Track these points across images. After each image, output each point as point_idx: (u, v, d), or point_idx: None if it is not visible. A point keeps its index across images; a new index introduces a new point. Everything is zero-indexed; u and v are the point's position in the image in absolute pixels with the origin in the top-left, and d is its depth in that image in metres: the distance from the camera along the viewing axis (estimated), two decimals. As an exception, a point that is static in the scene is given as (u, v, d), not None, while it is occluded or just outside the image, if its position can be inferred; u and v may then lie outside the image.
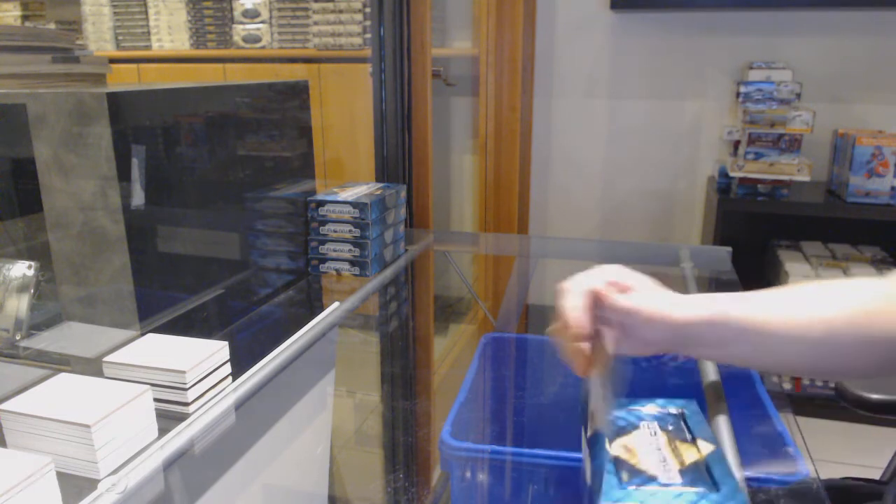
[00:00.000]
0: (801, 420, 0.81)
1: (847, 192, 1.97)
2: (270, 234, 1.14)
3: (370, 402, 1.03)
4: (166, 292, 0.90)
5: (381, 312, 1.21)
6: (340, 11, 2.51)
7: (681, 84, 2.32)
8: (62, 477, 0.57)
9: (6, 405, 0.62)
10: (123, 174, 0.80)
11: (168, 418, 0.70)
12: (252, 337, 1.00)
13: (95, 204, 0.81)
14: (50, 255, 0.85)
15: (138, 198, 0.83)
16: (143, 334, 0.79)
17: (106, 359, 0.72)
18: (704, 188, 2.36)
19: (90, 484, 0.60)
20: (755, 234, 2.31)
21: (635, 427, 0.60)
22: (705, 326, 0.54)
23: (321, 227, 1.21)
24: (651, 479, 0.52)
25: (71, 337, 0.84)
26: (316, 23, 2.54)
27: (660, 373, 1.00)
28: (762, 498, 0.72)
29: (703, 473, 0.53)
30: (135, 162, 0.82)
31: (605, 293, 0.55)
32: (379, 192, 1.26)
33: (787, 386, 2.14)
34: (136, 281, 0.82)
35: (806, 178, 1.98)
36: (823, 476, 0.76)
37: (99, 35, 2.77)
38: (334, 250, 1.21)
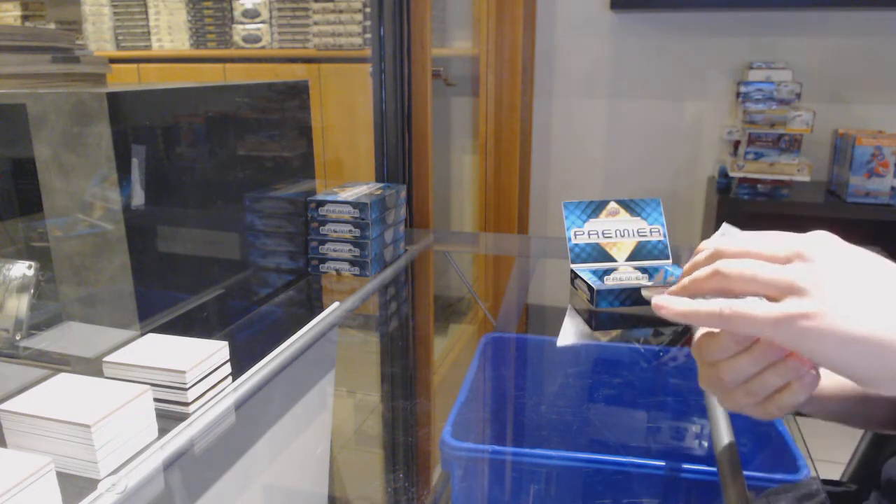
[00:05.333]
0: (802, 420, 0.81)
1: (847, 192, 1.97)
2: (270, 234, 1.14)
3: (370, 402, 1.03)
4: (166, 292, 0.90)
5: (381, 312, 1.21)
6: (340, 11, 2.51)
7: (681, 84, 2.32)
8: (62, 477, 0.57)
9: (6, 405, 0.62)
10: (123, 174, 0.80)
11: (168, 418, 0.70)
12: (252, 337, 1.00)
13: (95, 204, 0.81)
14: (50, 254, 0.84)
15: (138, 198, 0.83)
16: (143, 334, 0.79)
17: (106, 359, 0.72)
18: (704, 188, 2.36)
19: (90, 484, 0.60)
20: (755, 234, 2.31)
21: None
22: None
23: (321, 227, 1.21)
24: None
25: (71, 337, 0.84)
26: (316, 23, 2.54)
27: (660, 373, 1.01)
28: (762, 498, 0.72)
29: None
30: (135, 162, 0.82)
31: None
32: (379, 192, 1.26)
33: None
34: (136, 281, 0.82)
35: (806, 178, 1.98)
36: (823, 476, 0.76)
37: (99, 35, 2.77)
38: (334, 250, 1.21)
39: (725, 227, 0.49)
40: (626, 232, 1.20)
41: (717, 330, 0.47)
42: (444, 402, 0.93)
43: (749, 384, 0.46)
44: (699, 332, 0.49)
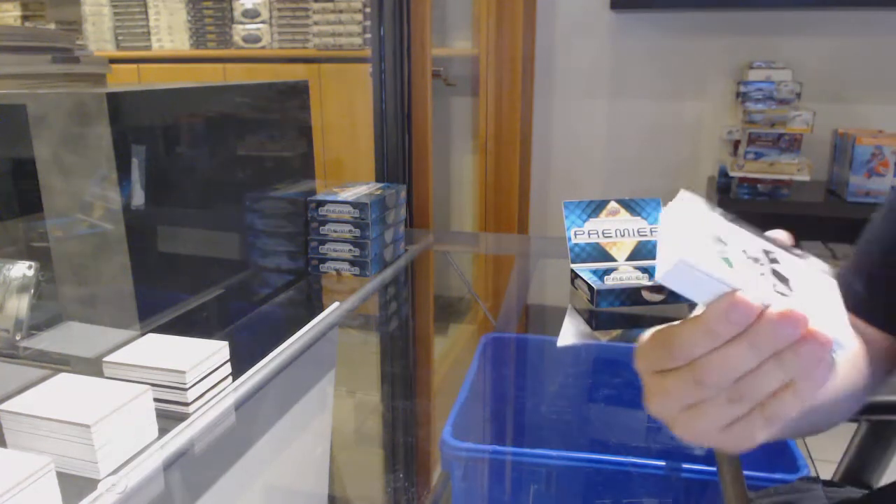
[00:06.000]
0: (802, 420, 0.81)
1: (847, 192, 1.97)
2: (270, 234, 1.14)
3: (370, 402, 1.02)
4: (166, 292, 0.90)
5: (381, 312, 1.21)
6: (340, 11, 2.51)
7: (681, 84, 2.32)
8: (62, 477, 0.57)
9: (6, 405, 0.62)
10: (123, 174, 0.80)
11: (168, 418, 0.70)
12: (252, 337, 1.00)
13: (95, 204, 0.81)
14: (50, 254, 0.84)
15: (138, 198, 0.83)
16: (143, 334, 0.79)
17: (106, 359, 0.72)
18: (704, 188, 2.36)
19: (90, 484, 0.60)
20: (755, 233, 2.31)
21: None
22: None
23: (321, 227, 1.21)
24: None
25: (71, 337, 0.84)
26: (316, 23, 2.54)
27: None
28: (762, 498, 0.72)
29: None
30: (135, 162, 0.82)
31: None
32: (379, 192, 1.26)
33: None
34: (136, 281, 0.82)
35: (806, 178, 1.98)
36: (823, 476, 0.76)
37: (99, 35, 2.77)
38: (334, 250, 1.21)
39: (683, 193, 0.39)
40: (626, 232, 1.20)
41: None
42: (444, 402, 0.93)
43: (739, 385, 0.34)
44: (647, 332, 0.37)
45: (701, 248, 0.33)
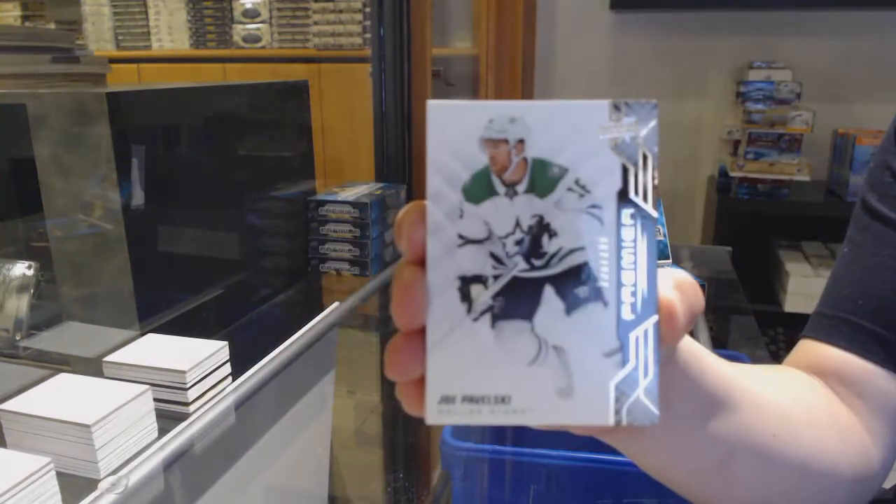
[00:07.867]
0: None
1: (847, 192, 1.97)
2: (270, 234, 1.14)
3: (370, 402, 1.03)
4: (166, 292, 0.90)
5: (381, 312, 1.21)
6: (340, 11, 2.51)
7: (681, 84, 2.32)
8: (62, 477, 0.57)
9: (6, 405, 0.62)
10: (123, 174, 0.80)
11: (168, 418, 0.70)
12: (252, 337, 1.00)
13: (95, 204, 0.81)
14: (50, 254, 0.84)
15: (138, 198, 0.83)
16: (143, 334, 0.79)
17: (106, 359, 0.72)
18: (704, 188, 2.36)
19: (90, 484, 0.60)
20: (755, 234, 2.31)
21: None
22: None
23: (321, 227, 1.21)
24: None
25: (71, 337, 0.84)
26: (316, 23, 2.54)
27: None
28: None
29: None
30: (135, 162, 0.82)
31: None
32: (379, 192, 1.26)
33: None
34: (136, 281, 0.82)
35: (806, 178, 1.98)
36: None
37: (99, 35, 2.77)
38: (334, 250, 1.21)
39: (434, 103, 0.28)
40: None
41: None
42: (444, 401, 0.92)
43: None
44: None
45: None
